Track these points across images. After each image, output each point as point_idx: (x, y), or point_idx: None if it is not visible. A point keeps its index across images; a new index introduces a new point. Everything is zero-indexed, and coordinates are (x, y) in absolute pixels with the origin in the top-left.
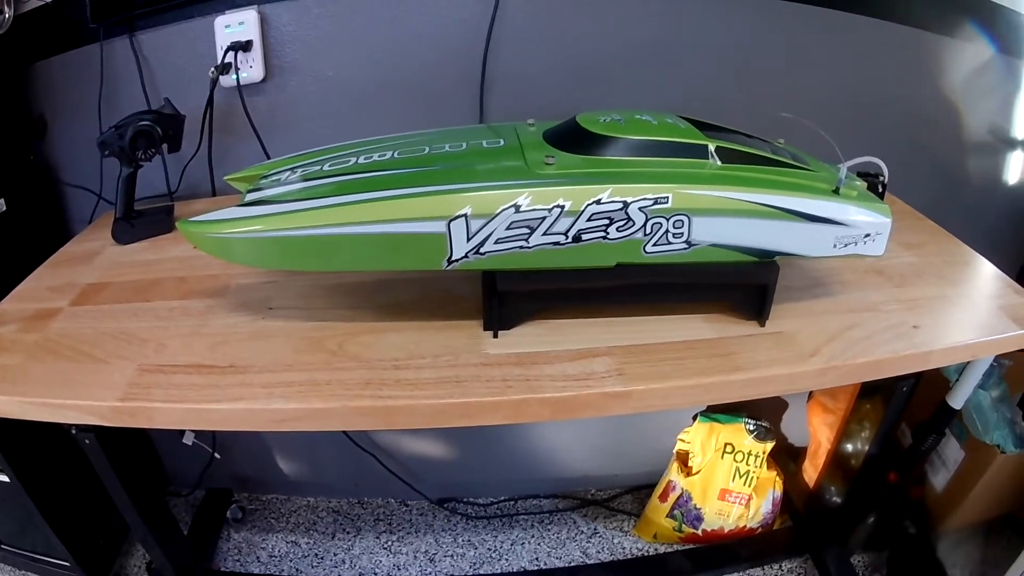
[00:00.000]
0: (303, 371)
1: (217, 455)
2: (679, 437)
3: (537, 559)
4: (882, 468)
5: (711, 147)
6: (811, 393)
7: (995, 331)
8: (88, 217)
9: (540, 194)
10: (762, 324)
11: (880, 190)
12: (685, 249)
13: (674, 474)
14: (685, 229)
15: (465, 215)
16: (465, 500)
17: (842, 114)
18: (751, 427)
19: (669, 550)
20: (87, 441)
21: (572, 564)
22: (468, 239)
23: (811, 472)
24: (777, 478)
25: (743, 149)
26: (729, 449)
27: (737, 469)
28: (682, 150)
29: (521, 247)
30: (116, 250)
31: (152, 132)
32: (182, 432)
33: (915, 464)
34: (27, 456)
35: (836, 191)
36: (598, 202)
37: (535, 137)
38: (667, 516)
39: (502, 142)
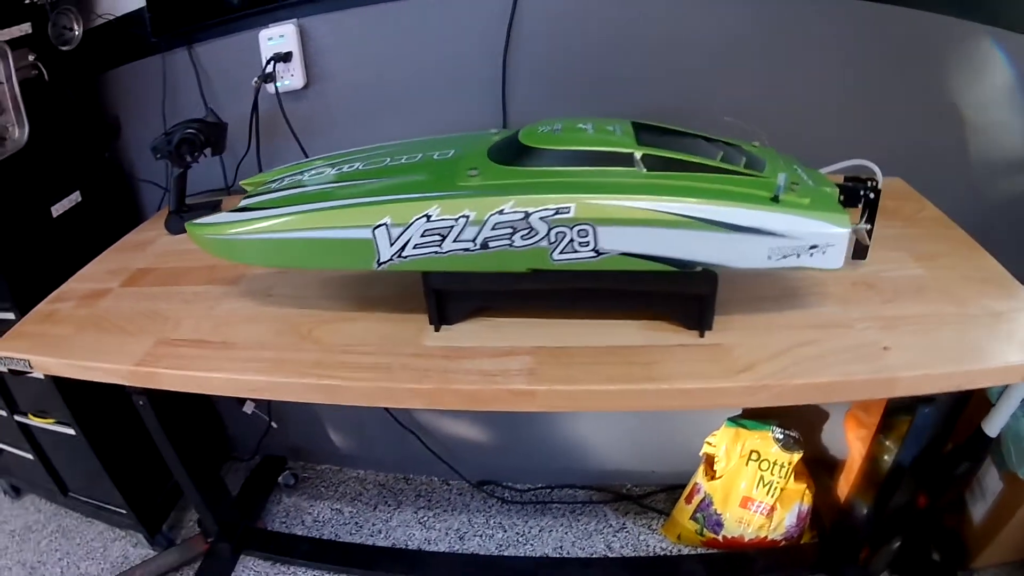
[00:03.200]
0: (275, 350)
1: (274, 424)
2: (707, 440)
3: (561, 547)
4: (909, 491)
5: (637, 155)
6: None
7: (989, 360)
8: (157, 208)
9: (448, 205)
10: (701, 335)
11: (871, 196)
12: (594, 257)
13: (700, 477)
14: (591, 238)
15: (386, 224)
16: (504, 484)
17: (875, 109)
18: (779, 436)
19: (690, 552)
20: (141, 403)
21: (589, 556)
22: (391, 244)
23: (844, 488)
24: (807, 491)
25: (676, 157)
26: (754, 457)
27: (761, 478)
28: (607, 159)
29: (436, 252)
30: (167, 239)
31: (195, 139)
32: (243, 401)
33: (947, 490)
34: (92, 413)
35: (775, 199)
36: (501, 212)
37: (483, 148)
38: (690, 518)
39: (451, 153)
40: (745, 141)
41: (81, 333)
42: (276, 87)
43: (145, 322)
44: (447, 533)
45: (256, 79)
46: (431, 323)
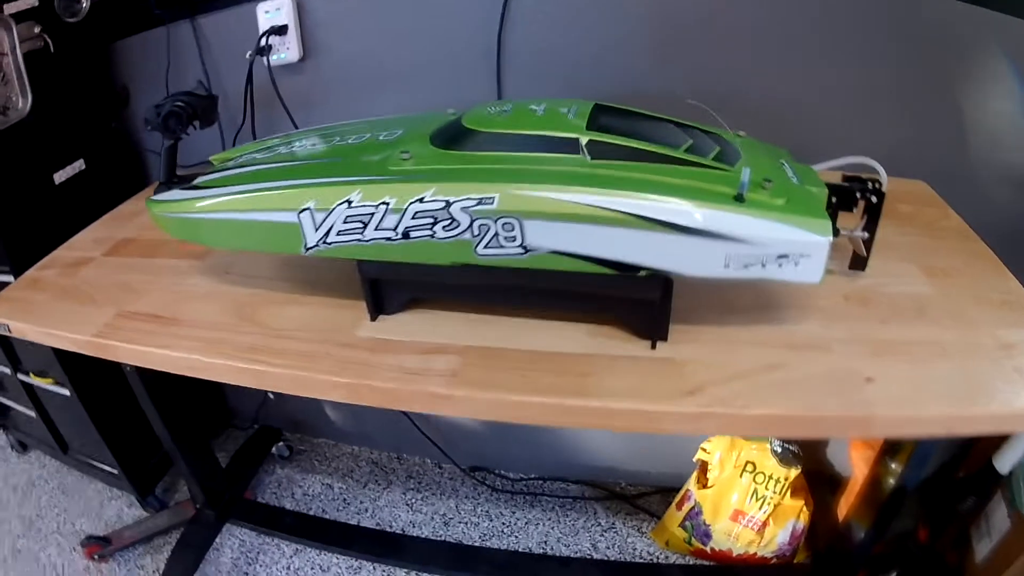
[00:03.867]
0: (216, 330)
1: (271, 395)
2: (701, 446)
3: (545, 543)
4: (911, 521)
5: (582, 141)
6: None
7: (992, 402)
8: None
9: (370, 191)
10: (652, 346)
11: (872, 199)
12: (521, 254)
13: (692, 484)
14: (517, 233)
15: (310, 208)
16: (496, 472)
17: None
18: (777, 448)
19: (676, 561)
20: (128, 369)
21: (571, 555)
22: (315, 229)
23: (845, 508)
24: (804, 508)
25: (629, 144)
26: (749, 468)
27: (755, 491)
28: (550, 144)
29: (359, 240)
30: None
31: (181, 113)
32: None
33: (951, 524)
34: (86, 376)
35: (738, 198)
36: (421, 200)
37: (429, 130)
38: (679, 525)
39: (397, 134)
40: (727, 130)
41: (56, 301)
42: (268, 61)
43: (113, 293)
44: (433, 517)
45: (250, 52)
46: (369, 312)
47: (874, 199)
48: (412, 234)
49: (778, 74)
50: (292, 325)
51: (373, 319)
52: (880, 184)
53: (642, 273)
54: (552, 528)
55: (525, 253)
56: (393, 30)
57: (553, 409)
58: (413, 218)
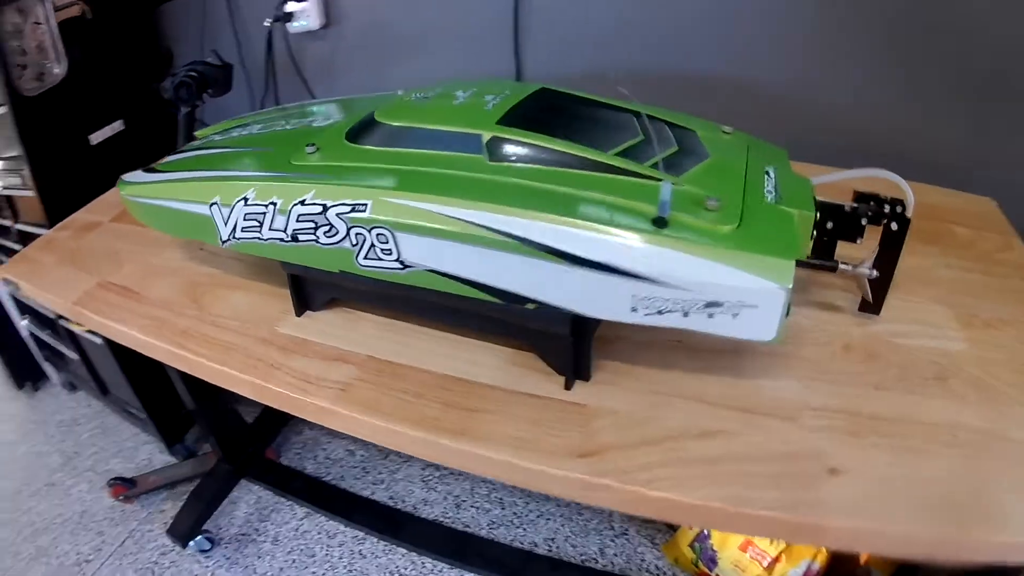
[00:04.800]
0: (164, 310)
1: None
2: None
3: (552, 539)
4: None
5: (484, 138)
6: None
7: (1003, 526)
8: None
9: (261, 189)
10: (567, 386)
11: (893, 227)
12: (400, 269)
13: None
14: (392, 246)
15: (217, 203)
16: None
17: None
18: None
19: None
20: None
21: (568, 560)
22: (224, 223)
23: (866, 554)
24: (823, 549)
25: (538, 143)
26: None
27: None
28: (452, 141)
29: (259, 239)
30: None
31: (191, 83)
32: None
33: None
34: None
35: (658, 222)
36: (303, 203)
37: (352, 119)
38: (689, 545)
39: (336, 119)
40: (711, 124)
41: (60, 264)
42: (285, 28)
43: (102, 261)
44: (446, 497)
45: (269, 19)
46: (294, 308)
47: (894, 226)
48: (300, 237)
49: (826, 60)
50: (227, 312)
51: (298, 315)
52: (904, 208)
53: (530, 306)
54: (563, 525)
55: (404, 268)
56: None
57: (427, 445)
58: (297, 221)
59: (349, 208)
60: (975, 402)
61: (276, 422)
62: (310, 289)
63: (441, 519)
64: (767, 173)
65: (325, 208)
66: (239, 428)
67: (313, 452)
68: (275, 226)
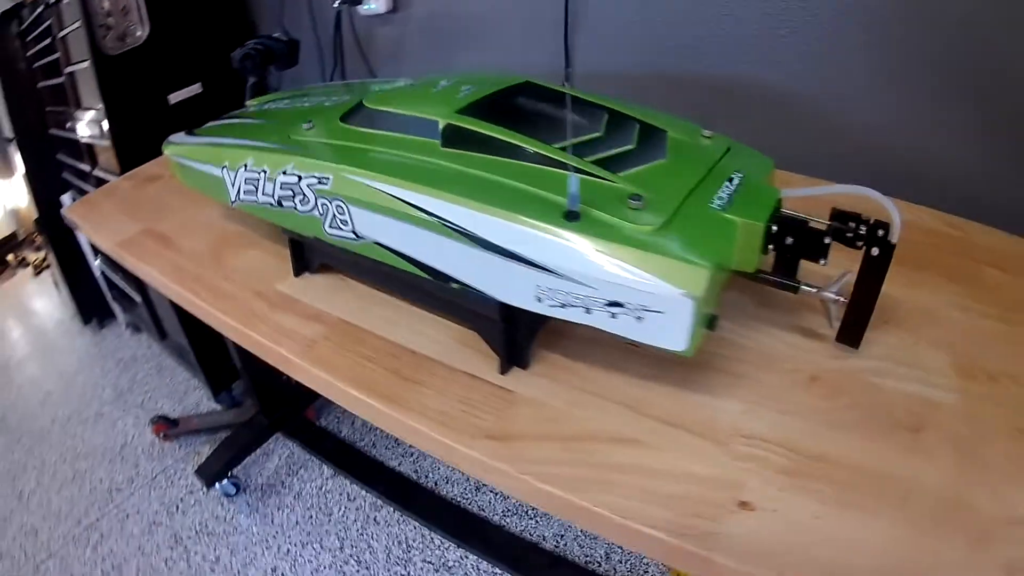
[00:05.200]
0: (188, 259)
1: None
2: None
3: (562, 536)
4: None
5: (440, 125)
6: None
7: None
8: None
9: (258, 157)
10: (501, 371)
11: (873, 252)
12: (355, 240)
13: None
14: (347, 218)
15: (226, 166)
16: None
17: None
18: None
19: None
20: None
21: (565, 557)
22: (232, 186)
23: None
24: None
25: (486, 133)
26: None
27: None
28: (416, 126)
29: (255, 201)
30: None
31: (255, 56)
32: None
33: None
34: None
35: (570, 216)
36: (284, 173)
37: (354, 101)
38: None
39: (346, 99)
40: (692, 128)
41: (116, 210)
42: (355, 10)
43: (152, 211)
44: (468, 479)
45: (337, 2)
46: (293, 268)
47: (875, 251)
48: (283, 203)
49: (872, 83)
50: (239, 266)
51: (296, 275)
52: (891, 232)
53: (454, 285)
54: (574, 526)
55: (357, 239)
56: None
57: (361, 405)
58: (281, 188)
59: (316, 180)
60: (947, 464)
61: None
62: (307, 253)
63: (458, 499)
64: (729, 180)
65: (300, 179)
66: (280, 384)
67: (352, 418)
68: (265, 191)
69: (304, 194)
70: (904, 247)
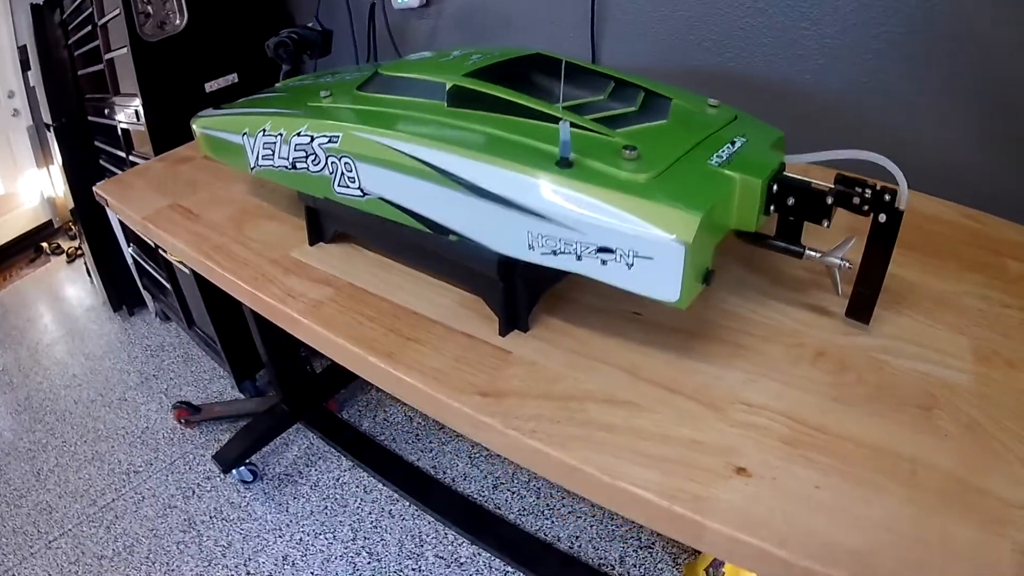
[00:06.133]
0: (211, 230)
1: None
2: None
3: (577, 537)
4: None
5: (447, 86)
6: None
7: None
8: None
9: (275, 122)
10: (500, 332)
11: (880, 218)
12: (360, 196)
13: None
14: (355, 174)
15: (247, 133)
16: None
17: None
18: None
19: None
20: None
21: (584, 559)
22: (251, 152)
23: None
24: None
25: (489, 93)
26: None
27: None
28: (424, 89)
29: (272, 165)
30: None
31: (289, 44)
32: None
33: None
34: None
35: (563, 163)
36: (299, 135)
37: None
38: (704, 570)
39: (364, 75)
40: (698, 97)
41: (147, 187)
42: (380, 2)
43: (180, 188)
44: (487, 477)
45: None
46: (308, 237)
47: (882, 217)
48: (297, 165)
49: (912, 87)
50: (257, 236)
51: (311, 244)
52: (898, 197)
53: (452, 237)
54: (590, 526)
55: (363, 196)
56: None
57: (357, 360)
58: (295, 150)
59: (327, 140)
60: (958, 443)
61: (343, 377)
62: (322, 221)
63: (475, 496)
64: (731, 143)
65: (312, 139)
66: (303, 375)
67: (373, 412)
68: (281, 155)
69: (316, 153)
70: (924, 237)
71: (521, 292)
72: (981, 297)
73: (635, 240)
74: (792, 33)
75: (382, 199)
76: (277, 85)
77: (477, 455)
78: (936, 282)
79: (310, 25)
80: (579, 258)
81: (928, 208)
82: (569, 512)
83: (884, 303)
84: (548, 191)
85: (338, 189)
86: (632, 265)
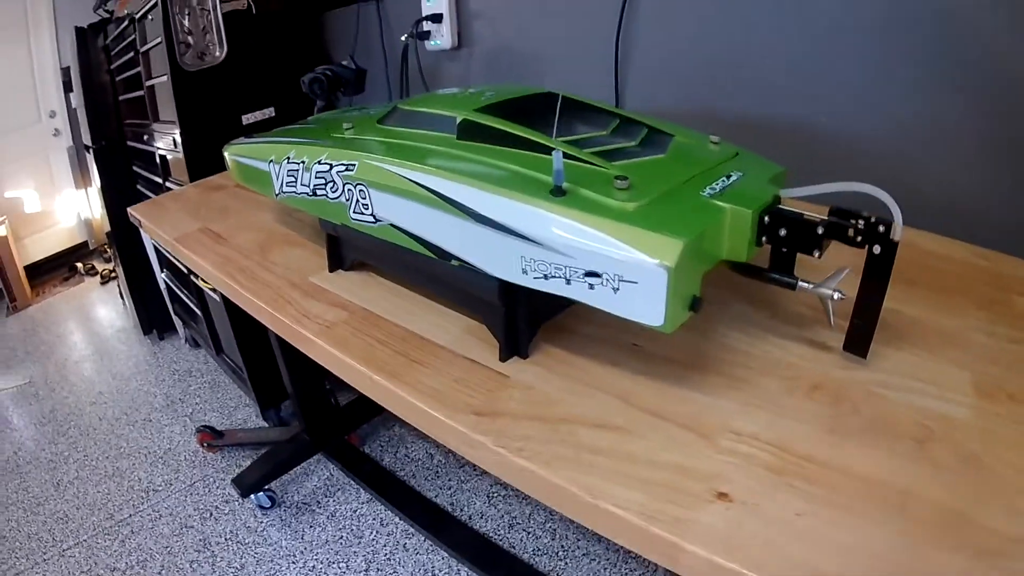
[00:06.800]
0: (237, 253)
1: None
2: None
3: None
4: None
5: (457, 120)
6: None
7: None
8: None
9: (299, 150)
10: (501, 357)
11: (875, 250)
12: (373, 223)
13: None
14: (368, 201)
15: (272, 160)
16: None
17: None
18: None
19: None
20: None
21: None
22: (276, 178)
23: None
24: None
25: (496, 127)
26: None
27: None
28: (438, 123)
29: (295, 192)
30: None
31: (323, 81)
32: None
33: None
34: None
35: (557, 192)
36: (319, 163)
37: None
38: None
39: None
40: (699, 135)
41: (179, 210)
42: (411, 45)
43: (212, 213)
44: (503, 516)
45: (405, 36)
46: (328, 264)
47: (877, 248)
48: (317, 192)
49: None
50: (280, 261)
51: (331, 270)
52: (893, 228)
53: (454, 263)
54: (604, 568)
55: (376, 222)
56: (531, 27)
57: (362, 378)
58: (316, 177)
59: (344, 167)
60: (953, 475)
61: (367, 411)
62: (342, 249)
63: (490, 534)
64: (727, 176)
65: (331, 167)
66: (327, 406)
67: (395, 448)
68: (303, 182)
69: (334, 180)
70: (931, 274)
71: (522, 319)
72: (987, 333)
73: (620, 264)
74: (806, 77)
75: (392, 225)
76: (309, 119)
77: (495, 495)
78: (941, 318)
79: (345, 63)
80: (568, 282)
81: (939, 248)
82: (584, 554)
83: (886, 339)
84: (540, 218)
85: (353, 216)
86: (618, 289)
